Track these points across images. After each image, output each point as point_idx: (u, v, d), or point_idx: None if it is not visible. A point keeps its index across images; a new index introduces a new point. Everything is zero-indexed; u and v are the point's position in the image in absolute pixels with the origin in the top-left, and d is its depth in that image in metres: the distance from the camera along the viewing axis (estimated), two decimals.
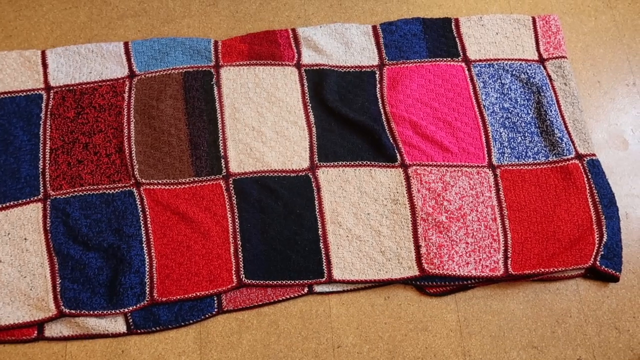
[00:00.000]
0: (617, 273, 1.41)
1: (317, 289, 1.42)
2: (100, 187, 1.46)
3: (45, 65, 1.59)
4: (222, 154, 1.51)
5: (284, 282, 1.40)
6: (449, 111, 1.59)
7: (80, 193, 1.45)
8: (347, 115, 1.56)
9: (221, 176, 1.49)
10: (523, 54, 1.68)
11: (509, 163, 1.54)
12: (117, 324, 1.36)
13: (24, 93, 1.55)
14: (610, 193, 1.49)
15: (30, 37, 1.67)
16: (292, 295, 1.41)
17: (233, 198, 1.47)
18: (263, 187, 1.48)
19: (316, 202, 1.48)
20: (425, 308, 1.41)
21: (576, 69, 1.69)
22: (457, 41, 1.69)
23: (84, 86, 1.57)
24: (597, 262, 1.40)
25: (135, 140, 1.51)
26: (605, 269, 1.40)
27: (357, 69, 1.64)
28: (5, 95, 1.55)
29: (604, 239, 1.42)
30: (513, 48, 1.69)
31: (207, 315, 1.38)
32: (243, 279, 1.40)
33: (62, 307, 1.33)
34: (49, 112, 1.54)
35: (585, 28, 1.75)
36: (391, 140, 1.54)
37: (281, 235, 1.44)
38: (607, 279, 1.43)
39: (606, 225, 1.44)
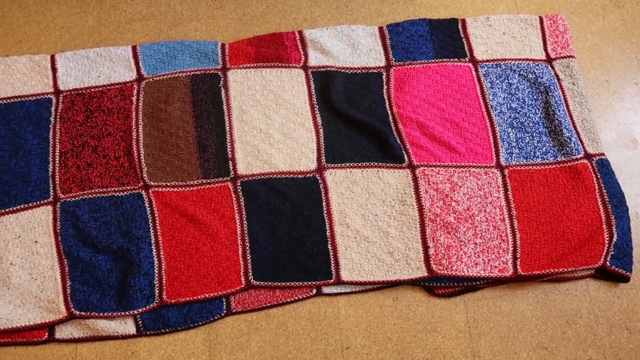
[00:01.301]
0: (628, 273, 1.40)
1: (326, 290, 1.42)
2: (109, 189, 1.47)
3: (54, 70, 1.60)
4: (230, 156, 1.52)
5: (293, 284, 1.41)
6: (457, 112, 1.59)
7: (90, 196, 1.46)
8: (354, 117, 1.56)
9: (229, 178, 1.50)
10: (530, 53, 1.67)
11: (517, 163, 1.53)
12: (127, 326, 1.36)
13: (34, 97, 1.57)
14: (619, 192, 1.48)
15: (40, 41, 1.69)
16: (300, 297, 1.41)
17: (241, 200, 1.47)
18: (271, 188, 1.49)
19: (324, 203, 1.48)
20: (434, 309, 1.41)
21: (584, 69, 1.68)
22: (464, 42, 1.69)
23: (92, 90, 1.58)
24: (607, 262, 1.39)
25: (143, 143, 1.52)
26: (616, 269, 1.39)
27: (363, 71, 1.64)
28: (15, 99, 1.56)
29: (614, 239, 1.41)
30: (520, 48, 1.68)
31: (216, 317, 1.38)
32: (251, 281, 1.40)
33: (73, 309, 1.34)
34: (58, 116, 1.55)
35: (593, 27, 1.74)
36: (398, 141, 1.54)
37: (289, 237, 1.45)
38: (617, 279, 1.42)
39: (616, 225, 1.43)
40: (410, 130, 1.56)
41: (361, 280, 1.41)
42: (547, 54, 1.67)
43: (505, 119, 1.58)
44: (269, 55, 1.64)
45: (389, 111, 1.59)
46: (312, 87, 1.61)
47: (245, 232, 1.45)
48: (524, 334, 1.39)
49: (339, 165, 1.52)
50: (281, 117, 1.57)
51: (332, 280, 1.41)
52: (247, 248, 1.43)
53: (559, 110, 1.57)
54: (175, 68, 1.62)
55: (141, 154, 1.50)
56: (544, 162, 1.53)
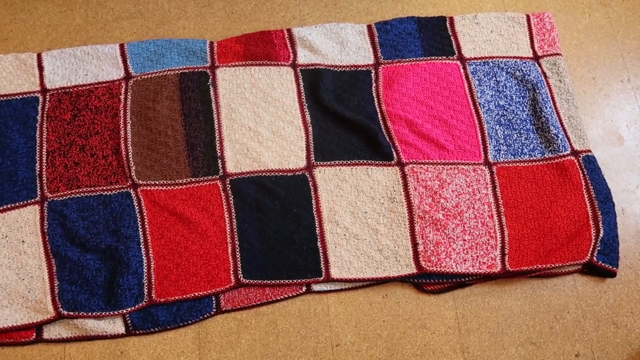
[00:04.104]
0: (614, 268, 1.42)
1: (315, 287, 1.42)
2: (97, 188, 1.46)
3: (41, 68, 1.59)
4: (219, 154, 1.51)
5: (282, 282, 1.41)
6: (445, 109, 1.60)
7: (78, 195, 1.45)
8: (343, 115, 1.56)
9: (218, 176, 1.49)
10: (518, 51, 1.68)
11: (505, 160, 1.54)
12: (116, 325, 1.36)
13: (20, 96, 1.56)
14: (606, 189, 1.49)
15: (26, 40, 1.67)
16: (290, 295, 1.41)
17: (230, 198, 1.47)
18: (260, 187, 1.48)
19: (313, 201, 1.48)
20: (424, 305, 1.42)
21: (571, 66, 1.70)
22: (452, 39, 1.70)
23: (80, 88, 1.57)
24: (594, 258, 1.41)
25: (131, 142, 1.51)
26: (602, 264, 1.41)
27: (352, 68, 1.65)
28: (2, 98, 1.55)
29: (601, 235, 1.43)
30: (508, 46, 1.69)
31: (205, 316, 1.38)
32: (241, 279, 1.40)
33: (61, 309, 1.33)
34: (45, 115, 1.54)
35: (580, 25, 1.76)
36: (387, 139, 1.54)
37: (279, 235, 1.44)
38: (604, 274, 1.44)
39: (603, 220, 1.45)
40: (399, 127, 1.56)
41: (351, 278, 1.41)
42: (534, 52, 1.69)
43: (493, 116, 1.59)
44: (257, 54, 1.64)
45: (377, 109, 1.59)
46: (301, 85, 1.61)
47: (235, 230, 1.44)
48: (513, 329, 1.40)
49: (328, 163, 1.52)
50: (270, 115, 1.57)
51: (321, 278, 1.41)
52: (237, 246, 1.43)
53: (546, 108, 1.58)
54: (163, 66, 1.61)
55: (129, 153, 1.50)
56: (531, 159, 1.54)
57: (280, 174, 1.50)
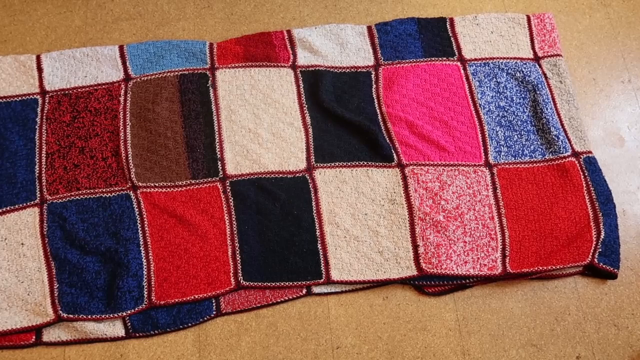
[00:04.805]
0: (615, 270, 1.41)
1: (316, 290, 1.41)
2: (96, 191, 1.46)
3: (40, 70, 1.59)
4: (219, 156, 1.51)
5: (282, 284, 1.40)
6: (445, 110, 1.59)
7: (77, 197, 1.45)
8: (343, 116, 1.56)
9: (218, 178, 1.49)
10: (518, 52, 1.68)
11: (506, 161, 1.54)
12: (116, 328, 1.35)
13: (20, 98, 1.55)
14: (607, 190, 1.49)
15: (25, 41, 1.67)
16: (290, 297, 1.40)
17: (230, 200, 1.47)
18: (260, 188, 1.48)
19: (313, 203, 1.48)
20: (424, 308, 1.41)
21: (571, 67, 1.69)
22: (452, 40, 1.69)
23: (79, 90, 1.57)
24: (595, 260, 1.40)
25: (131, 144, 1.51)
26: (604, 266, 1.41)
27: (352, 70, 1.64)
28: (1, 100, 1.54)
29: (602, 236, 1.43)
30: (508, 47, 1.69)
31: (205, 318, 1.38)
32: (241, 281, 1.40)
33: (60, 311, 1.33)
34: (44, 117, 1.53)
35: (580, 26, 1.76)
36: (388, 140, 1.54)
37: (279, 237, 1.44)
38: (605, 276, 1.44)
39: (603, 222, 1.44)
40: (400, 129, 1.56)
41: (351, 280, 1.41)
42: (535, 53, 1.68)
43: (494, 117, 1.59)
44: (257, 55, 1.63)
45: (378, 110, 1.59)
46: (301, 87, 1.60)
47: (235, 232, 1.44)
48: (513, 331, 1.39)
49: (329, 164, 1.52)
50: (270, 117, 1.56)
51: (322, 280, 1.41)
52: (237, 248, 1.43)
53: (547, 109, 1.58)
54: (163, 68, 1.60)
55: (129, 155, 1.49)
56: (532, 160, 1.54)
57: (281, 175, 1.50)
